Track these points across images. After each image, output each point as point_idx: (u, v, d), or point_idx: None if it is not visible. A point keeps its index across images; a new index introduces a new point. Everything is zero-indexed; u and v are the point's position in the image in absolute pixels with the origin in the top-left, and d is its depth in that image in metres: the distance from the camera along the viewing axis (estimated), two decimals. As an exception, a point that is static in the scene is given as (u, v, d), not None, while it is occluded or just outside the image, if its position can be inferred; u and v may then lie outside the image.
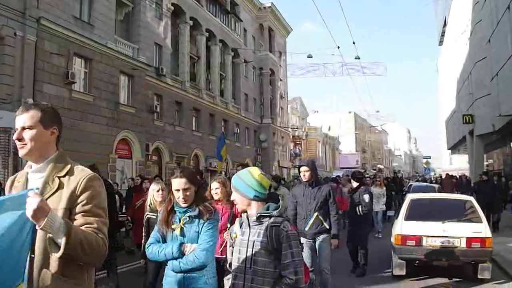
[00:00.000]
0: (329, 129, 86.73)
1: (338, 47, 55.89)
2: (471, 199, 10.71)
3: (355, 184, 11.36)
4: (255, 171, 3.69)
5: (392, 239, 9.94)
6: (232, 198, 3.79)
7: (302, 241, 6.48)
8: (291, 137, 65.01)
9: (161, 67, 32.76)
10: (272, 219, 3.53)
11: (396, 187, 26.52)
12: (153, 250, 4.33)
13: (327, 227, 7.94)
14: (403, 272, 9.78)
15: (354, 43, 37.92)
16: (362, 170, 41.28)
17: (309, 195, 8.01)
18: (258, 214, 3.57)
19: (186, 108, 36.68)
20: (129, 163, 28.16)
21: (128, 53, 28.07)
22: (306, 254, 7.51)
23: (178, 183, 4.29)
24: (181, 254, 4.16)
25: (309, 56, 48.48)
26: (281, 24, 59.84)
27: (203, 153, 38.26)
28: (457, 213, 10.08)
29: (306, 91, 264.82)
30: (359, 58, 43.02)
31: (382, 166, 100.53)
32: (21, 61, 20.50)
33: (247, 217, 3.66)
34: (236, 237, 3.78)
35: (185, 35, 36.82)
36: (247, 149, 49.69)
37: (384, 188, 19.13)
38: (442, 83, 68.10)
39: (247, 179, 3.63)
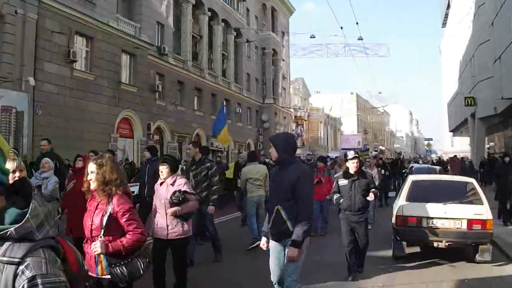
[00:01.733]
0: (330, 109, 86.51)
1: (341, 28, 55.49)
2: (473, 181, 10.69)
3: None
4: None
5: (393, 220, 9.95)
6: None
7: (270, 244, 5.82)
8: (293, 117, 64.92)
9: (163, 46, 32.62)
10: (4, 246, 1.62)
11: (396, 168, 25.77)
12: None
13: (290, 229, 5.43)
14: (403, 253, 9.81)
15: (357, 23, 37.77)
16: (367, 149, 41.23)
17: (277, 181, 5.84)
18: None
19: (188, 87, 36.60)
20: (130, 142, 28.21)
21: (130, 32, 27.94)
22: (272, 263, 5.77)
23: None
24: None
25: (312, 37, 48.43)
26: (284, 4, 59.48)
27: (205, 132, 38.22)
28: (458, 194, 10.09)
29: (308, 71, 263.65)
30: (362, 39, 42.85)
31: (383, 148, 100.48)
32: (22, 40, 20.43)
33: None
34: None
35: (188, 14, 36.61)
36: (248, 129, 49.65)
37: (376, 169, 17.47)
38: (444, 65, 67.90)
39: None
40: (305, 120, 70.50)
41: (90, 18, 24.10)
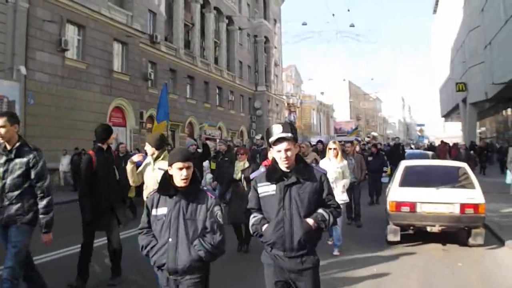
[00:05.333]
0: (322, 94, 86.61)
1: (333, 15, 55.56)
2: (465, 165, 10.76)
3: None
4: None
5: (387, 206, 10.02)
6: None
7: None
8: (285, 104, 64.98)
9: (155, 34, 32.55)
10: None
11: (396, 156, 20.39)
12: None
13: None
14: (398, 238, 9.88)
15: (348, 10, 37.81)
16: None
17: None
18: None
19: (180, 75, 36.56)
20: (123, 131, 28.14)
21: (122, 20, 27.80)
22: None
23: None
24: None
25: (304, 24, 48.83)
26: (276, -9, 59.36)
27: (197, 120, 38.27)
28: (451, 179, 10.16)
29: (300, 59, 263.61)
30: (353, 26, 43.09)
31: (376, 134, 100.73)
32: (13, 28, 20.34)
33: None
34: None
35: (180, 2, 36.50)
36: (241, 116, 49.67)
37: (359, 157, 14.10)
38: (435, 51, 68.16)
39: None
40: (298, 107, 70.59)
41: (82, 6, 23.98)
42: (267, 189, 4.21)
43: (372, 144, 22.51)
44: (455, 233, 10.07)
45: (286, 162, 4.07)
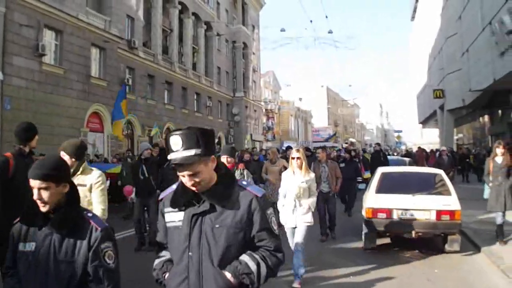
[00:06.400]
0: (301, 100, 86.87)
1: (311, 21, 56.05)
2: (441, 172, 10.90)
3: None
4: None
5: (363, 212, 10.11)
6: None
7: None
8: (263, 110, 65.07)
9: (133, 40, 32.46)
10: None
11: (378, 162, 18.49)
12: None
13: None
14: (374, 245, 9.99)
15: (326, 17, 37.88)
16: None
17: None
18: None
19: (158, 81, 36.47)
20: (100, 136, 27.95)
21: (99, 26, 27.64)
22: None
23: None
24: None
25: (282, 30, 48.71)
26: (255, -3, 59.50)
27: (175, 126, 38.17)
28: (427, 186, 10.30)
29: (279, 65, 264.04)
30: (331, 32, 43.45)
31: (354, 140, 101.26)
32: (-11, 33, 20.12)
33: None
34: None
35: (158, 8, 36.45)
36: (219, 122, 49.62)
37: (331, 165, 12.14)
38: (413, 58, 68.80)
39: None
40: (276, 113, 70.67)
41: (59, 11, 23.79)
42: (173, 217, 2.94)
43: (345, 149, 21.87)
44: (431, 239, 10.20)
45: (195, 188, 2.79)
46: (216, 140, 47.15)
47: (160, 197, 3.09)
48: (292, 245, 7.84)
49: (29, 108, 21.70)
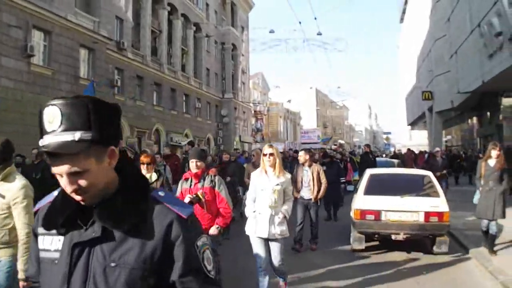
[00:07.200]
0: (289, 101, 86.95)
1: (300, 22, 56.07)
2: (429, 174, 10.95)
3: None
4: None
5: (352, 214, 10.14)
6: None
7: None
8: (252, 112, 65.03)
9: (122, 41, 32.35)
10: None
11: (368, 163, 18.31)
12: None
13: None
14: (362, 247, 10.03)
15: (315, 18, 37.97)
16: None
17: None
18: None
19: (147, 82, 36.37)
20: (89, 138, 27.78)
21: (88, 26, 27.55)
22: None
23: None
24: None
25: (271, 32, 48.57)
26: (244, -2, 59.49)
27: (164, 127, 38.12)
28: (416, 187, 10.36)
29: (267, 66, 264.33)
30: (320, 34, 43.43)
31: (343, 142, 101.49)
32: (-23, 34, 20.02)
33: None
34: None
35: (147, 9, 36.35)
36: (208, 124, 49.53)
37: (316, 168, 10.82)
38: (402, 60, 69.09)
39: None
40: (265, 115, 70.72)
41: (48, 12, 23.68)
42: (47, 244, 1.86)
43: (323, 153, 19.77)
44: (420, 241, 10.25)
45: (80, 198, 1.73)
46: (206, 146, 47.12)
47: (36, 207, 1.99)
48: (261, 261, 6.54)
49: (18, 109, 21.57)
